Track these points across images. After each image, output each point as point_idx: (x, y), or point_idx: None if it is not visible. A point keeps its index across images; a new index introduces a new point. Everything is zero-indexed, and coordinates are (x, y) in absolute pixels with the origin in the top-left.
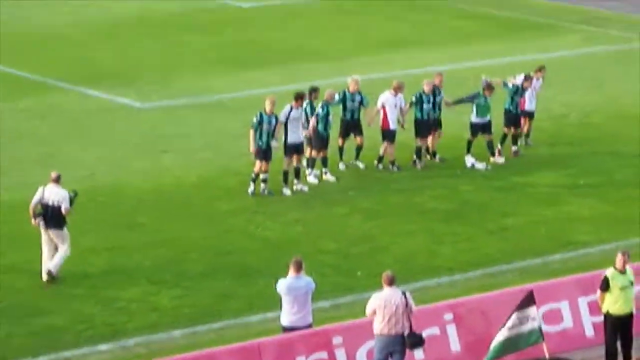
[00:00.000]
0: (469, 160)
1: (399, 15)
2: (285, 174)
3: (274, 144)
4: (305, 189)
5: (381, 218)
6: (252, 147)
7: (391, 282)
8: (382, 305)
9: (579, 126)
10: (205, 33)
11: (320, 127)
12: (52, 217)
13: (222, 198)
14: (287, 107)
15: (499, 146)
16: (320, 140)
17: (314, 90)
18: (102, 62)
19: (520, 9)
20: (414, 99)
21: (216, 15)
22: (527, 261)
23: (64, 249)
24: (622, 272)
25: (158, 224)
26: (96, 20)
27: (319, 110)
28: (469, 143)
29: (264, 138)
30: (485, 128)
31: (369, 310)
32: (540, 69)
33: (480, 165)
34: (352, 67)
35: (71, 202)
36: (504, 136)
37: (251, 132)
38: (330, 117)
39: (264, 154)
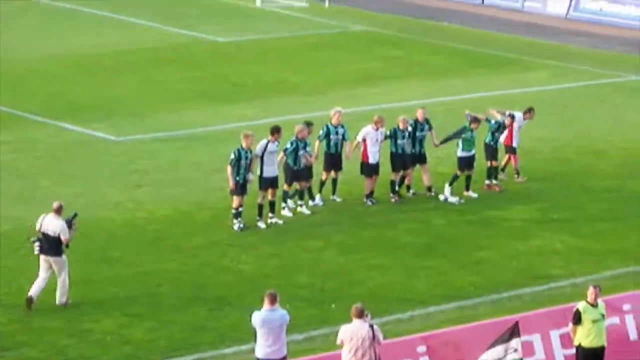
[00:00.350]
0: (446, 191)
1: (372, 51)
2: (260, 207)
3: (249, 177)
4: (280, 222)
5: (355, 252)
6: (231, 184)
7: (360, 315)
8: (349, 337)
9: (550, 161)
10: (182, 67)
11: (290, 161)
12: (50, 246)
13: (196, 232)
14: (263, 141)
15: (488, 180)
16: (290, 174)
17: (307, 125)
18: (78, 96)
19: (492, 44)
20: (388, 133)
21: (192, 50)
22: (500, 294)
23: (62, 280)
24: (594, 305)
25: (132, 257)
26: (72, 54)
27: (287, 145)
28: (456, 177)
29: (242, 173)
30: (471, 162)
31: (338, 341)
32: (530, 110)
33: (453, 199)
34: (326, 102)
35: (71, 225)
36: (493, 169)
37: (229, 168)
38: (301, 152)
39: (242, 188)
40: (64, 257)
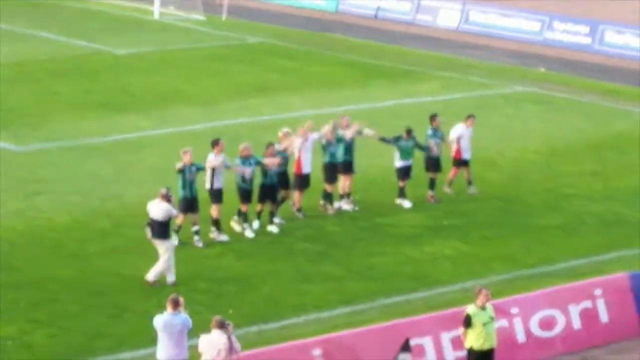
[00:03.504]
0: (401, 202)
1: (269, 63)
2: (217, 222)
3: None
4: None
5: (252, 258)
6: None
7: (219, 326)
8: (206, 348)
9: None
10: (80, 79)
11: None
12: (156, 229)
13: (94, 239)
14: (210, 155)
15: (430, 191)
16: (241, 195)
17: (270, 146)
18: None
19: (385, 56)
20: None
21: (91, 61)
22: (392, 299)
23: (163, 262)
24: (483, 308)
25: (32, 265)
26: None
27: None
28: (401, 188)
29: (187, 188)
30: (407, 171)
31: (199, 350)
32: (469, 117)
33: (347, 207)
34: (222, 113)
35: (169, 199)
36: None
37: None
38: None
39: (189, 205)
40: (170, 241)
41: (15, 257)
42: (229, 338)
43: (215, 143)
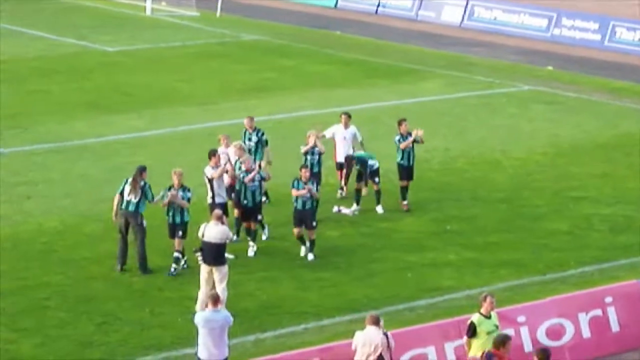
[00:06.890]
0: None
1: (265, 61)
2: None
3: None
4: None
5: (247, 264)
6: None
7: (374, 322)
8: (362, 343)
9: (442, 171)
10: (70, 77)
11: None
12: (210, 253)
13: (85, 244)
14: (208, 168)
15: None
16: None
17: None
18: None
19: (386, 54)
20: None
21: (82, 60)
22: (394, 306)
23: (222, 291)
24: (488, 316)
25: (19, 270)
26: None
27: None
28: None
29: (176, 214)
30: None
31: (352, 347)
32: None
33: (347, 211)
34: (218, 112)
35: (224, 220)
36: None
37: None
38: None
39: (173, 231)
40: (225, 267)
41: (2, 262)
42: (386, 334)
43: (212, 154)
